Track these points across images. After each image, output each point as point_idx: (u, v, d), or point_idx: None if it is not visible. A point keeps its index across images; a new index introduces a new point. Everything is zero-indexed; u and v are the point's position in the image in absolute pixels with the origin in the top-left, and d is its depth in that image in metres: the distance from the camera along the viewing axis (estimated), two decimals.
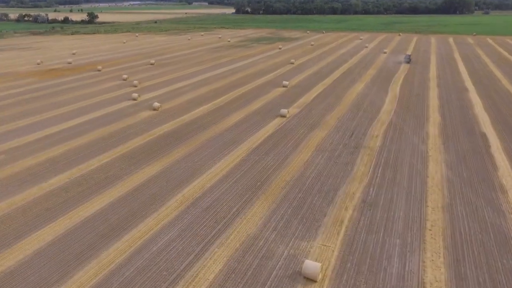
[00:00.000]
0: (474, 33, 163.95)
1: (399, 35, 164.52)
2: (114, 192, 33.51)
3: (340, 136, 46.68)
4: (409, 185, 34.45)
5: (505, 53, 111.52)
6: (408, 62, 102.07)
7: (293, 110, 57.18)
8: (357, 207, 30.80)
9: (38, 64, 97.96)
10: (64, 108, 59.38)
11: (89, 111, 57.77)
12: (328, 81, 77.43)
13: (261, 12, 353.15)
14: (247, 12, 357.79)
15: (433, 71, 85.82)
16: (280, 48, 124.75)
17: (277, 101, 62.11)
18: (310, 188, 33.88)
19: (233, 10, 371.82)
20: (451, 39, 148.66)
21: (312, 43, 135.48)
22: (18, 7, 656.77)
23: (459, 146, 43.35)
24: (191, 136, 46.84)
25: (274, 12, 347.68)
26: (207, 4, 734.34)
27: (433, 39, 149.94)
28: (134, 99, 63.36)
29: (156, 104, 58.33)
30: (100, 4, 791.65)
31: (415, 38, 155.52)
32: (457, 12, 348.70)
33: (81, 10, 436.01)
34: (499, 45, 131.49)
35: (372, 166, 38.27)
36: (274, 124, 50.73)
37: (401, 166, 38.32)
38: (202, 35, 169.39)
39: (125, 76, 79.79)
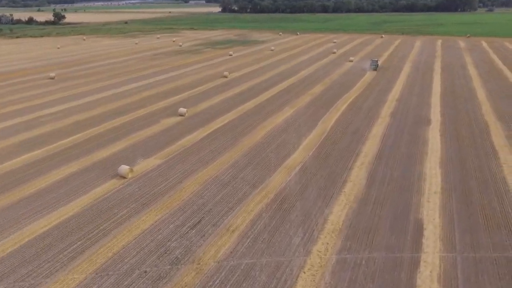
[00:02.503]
0: (468, 35, 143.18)
1: (382, 36, 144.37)
2: None
3: (177, 225, 27.87)
4: None
5: (498, 62, 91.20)
6: (375, 69, 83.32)
7: (153, 161, 38.27)
8: None
9: None
10: None
11: None
12: (249, 105, 58.20)
13: (248, 10, 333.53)
14: (233, 11, 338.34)
15: (397, 89, 66.15)
16: (230, 55, 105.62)
17: (144, 145, 42.90)
18: None
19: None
20: (439, 42, 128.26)
21: (273, 48, 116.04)
22: (10, 6, 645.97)
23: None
24: None
25: (262, 10, 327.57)
26: (204, 2, 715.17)
27: (418, 42, 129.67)
28: None
29: None
30: (95, 3, 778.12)
31: (398, 40, 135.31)
32: (459, 9, 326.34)
33: (65, 10, 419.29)
34: (494, 50, 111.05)
35: None
36: (100, 192, 32.03)
37: None
38: (158, 37, 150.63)
39: None
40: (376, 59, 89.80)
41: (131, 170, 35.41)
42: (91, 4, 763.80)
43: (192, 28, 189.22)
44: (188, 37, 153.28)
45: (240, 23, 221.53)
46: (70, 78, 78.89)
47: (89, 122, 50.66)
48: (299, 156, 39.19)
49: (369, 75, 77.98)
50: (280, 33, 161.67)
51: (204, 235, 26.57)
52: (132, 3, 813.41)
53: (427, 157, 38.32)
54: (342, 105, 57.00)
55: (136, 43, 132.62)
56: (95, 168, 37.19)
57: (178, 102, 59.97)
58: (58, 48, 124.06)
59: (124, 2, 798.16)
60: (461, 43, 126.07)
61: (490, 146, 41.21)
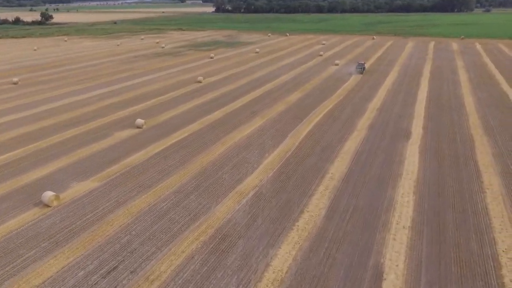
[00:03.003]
0: (462, 36, 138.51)
1: (373, 38, 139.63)
2: None
3: (88, 272, 23.14)
4: None
5: (491, 66, 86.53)
6: (361, 73, 79.15)
7: (88, 184, 33.51)
8: None
9: None
10: None
11: None
12: (217, 115, 53.37)
13: (242, 10, 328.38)
14: (227, 11, 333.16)
15: (380, 96, 61.53)
16: (211, 57, 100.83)
17: (85, 164, 38.06)
18: None
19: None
20: (431, 44, 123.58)
21: (257, 50, 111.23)
22: (3, 6, 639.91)
23: None
24: None
25: (256, 10, 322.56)
26: (201, 2, 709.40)
27: (410, 44, 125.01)
28: None
29: None
30: (91, 3, 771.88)
31: (389, 42, 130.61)
32: (456, 10, 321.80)
33: (57, 9, 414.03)
34: (487, 52, 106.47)
35: None
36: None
37: None
38: (142, 38, 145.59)
39: None
40: (363, 62, 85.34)
41: (57, 198, 30.63)
42: (87, 3, 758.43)
43: (180, 29, 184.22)
44: (174, 38, 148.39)
45: (232, 24, 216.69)
46: (34, 83, 74.04)
47: (34, 136, 45.86)
48: (256, 178, 34.50)
49: (353, 80, 73.35)
50: (269, 34, 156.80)
51: (116, 287, 21.91)
52: (128, 2, 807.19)
53: (401, 180, 33.65)
54: (317, 115, 52.32)
55: (118, 45, 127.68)
56: (20, 193, 32.43)
57: (140, 111, 55.23)
58: (35, 50, 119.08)
59: (120, 2, 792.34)
60: (454, 45, 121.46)
61: (474, 166, 36.58)
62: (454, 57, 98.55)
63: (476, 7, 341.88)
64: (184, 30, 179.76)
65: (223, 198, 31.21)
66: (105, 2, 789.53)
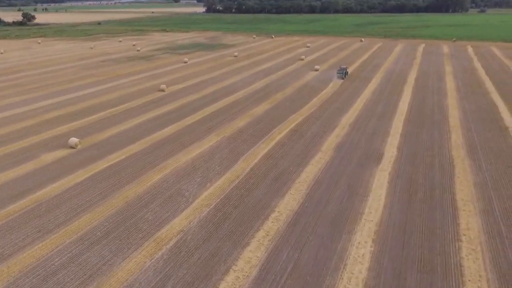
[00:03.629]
0: (454, 39, 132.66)
1: (361, 40, 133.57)
2: None
3: None
4: None
5: (481, 72, 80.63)
6: (342, 78, 73.86)
7: None
8: None
9: None
10: None
11: None
12: (167, 131, 47.08)
13: (233, 10, 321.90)
14: (218, 11, 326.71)
15: (356, 108, 55.28)
16: (185, 62, 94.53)
17: None
18: None
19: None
20: (421, 47, 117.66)
21: (236, 53, 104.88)
22: None
23: None
24: None
25: (247, 11, 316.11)
26: (195, 2, 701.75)
27: (399, 47, 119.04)
28: None
29: None
30: (84, 3, 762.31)
31: (378, 44, 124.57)
32: (450, 10, 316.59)
33: (46, 9, 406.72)
34: (479, 56, 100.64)
35: None
36: None
37: None
38: (120, 41, 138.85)
39: None
40: (345, 67, 79.55)
41: None
42: (79, 3, 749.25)
43: (164, 30, 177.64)
44: (154, 40, 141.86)
45: (219, 24, 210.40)
46: None
47: None
48: (184, 219, 28.32)
49: (331, 88, 67.32)
50: (254, 36, 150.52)
51: None
52: (122, 2, 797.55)
53: (360, 223, 27.55)
54: (281, 131, 46.25)
55: (91, 48, 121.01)
56: None
57: (82, 127, 48.88)
58: (1, 53, 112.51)
59: (113, 2, 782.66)
60: (445, 48, 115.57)
61: (451, 201, 30.49)
62: (443, 62, 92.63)
63: (472, 7, 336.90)
64: (167, 31, 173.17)
65: (134, 250, 25.00)
66: (98, 2, 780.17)
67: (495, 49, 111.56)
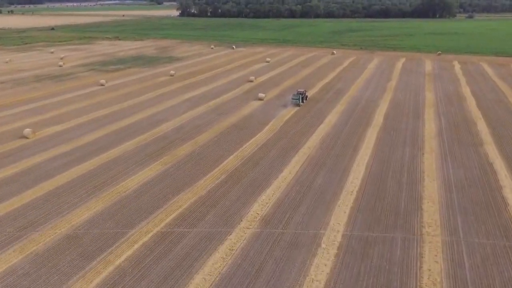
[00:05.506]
0: (439, 52, 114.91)
1: (333, 53, 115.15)
2: None
3: None
4: None
5: (471, 103, 62.26)
6: (298, 104, 59.15)
7: None
8: None
9: None
10: None
11: None
12: None
13: (208, 14, 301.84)
14: (193, 15, 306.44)
15: (283, 180, 36.29)
16: (102, 85, 75.09)
17: None
18: None
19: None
20: (400, 63, 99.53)
21: (172, 72, 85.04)
22: None
23: None
24: None
25: (223, 14, 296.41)
26: (178, 4, 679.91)
27: (374, 62, 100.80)
28: None
29: None
30: (63, 4, 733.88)
31: (350, 59, 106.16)
32: (437, 15, 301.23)
33: (11, 11, 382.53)
34: (468, 76, 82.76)
35: None
36: None
37: None
38: (51, 52, 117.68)
39: None
40: (303, 90, 63.08)
41: None
42: (58, 4, 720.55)
43: (116, 38, 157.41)
44: (93, 51, 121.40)
45: (184, 31, 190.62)
46: None
47: None
48: None
49: (267, 133, 48.34)
50: (213, 46, 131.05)
51: None
52: (107, 4, 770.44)
53: None
54: (157, 224, 27.42)
55: (7, 62, 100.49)
56: None
57: None
58: None
59: (94, 4, 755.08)
60: (428, 64, 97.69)
61: None
62: (424, 85, 74.50)
63: (459, 12, 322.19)
64: (119, 39, 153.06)
65: None
66: (78, 4, 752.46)
67: (486, 66, 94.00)
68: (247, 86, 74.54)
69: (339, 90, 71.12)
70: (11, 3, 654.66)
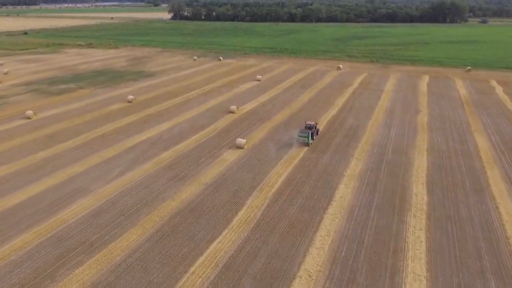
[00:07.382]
0: (469, 67, 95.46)
1: (339, 67, 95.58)
2: None
3: None
4: None
5: None
6: (307, 144, 43.25)
7: None
8: None
9: None
10: None
11: None
12: None
13: (202, 17, 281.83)
14: (186, 18, 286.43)
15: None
16: (28, 118, 55.53)
17: None
18: None
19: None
20: (424, 82, 79.75)
21: (131, 97, 65.00)
22: None
23: None
24: None
25: (217, 18, 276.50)
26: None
27: (391, 81, 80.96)
28: None
29: None
30: (57, 5, 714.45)
31: (361, 76, 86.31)
32: (448, 20, 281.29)
33: (7, 14, 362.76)
34: None
35: None
36: None
37: None
38: (1, 64, 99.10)
39: None
40: (313, 123, 46.39)
41: None
42: (52, 6, 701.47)
43: (90, 45, 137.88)
44: (50, 63, 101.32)
45: (170, 37, 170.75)
46: None
47: None
48: None
49: (235, 231, 29.10)
50: (195, 56, 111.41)
51: None
52: (104, 5, 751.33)
53: None
54: None
55: None
56: None
57: None
58: None
59: (89, 5, 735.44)
60: (459, 85, 77.82)
61: None
62: (467, 121, 54.66)
63: (469, 16, 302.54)
64: (93, 47, 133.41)
65: None
66: (74, 5, 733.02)
67: None
68: (225, 120, 54.65)
69: (352, 129, 51.25)
70: (3, 4, 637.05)
